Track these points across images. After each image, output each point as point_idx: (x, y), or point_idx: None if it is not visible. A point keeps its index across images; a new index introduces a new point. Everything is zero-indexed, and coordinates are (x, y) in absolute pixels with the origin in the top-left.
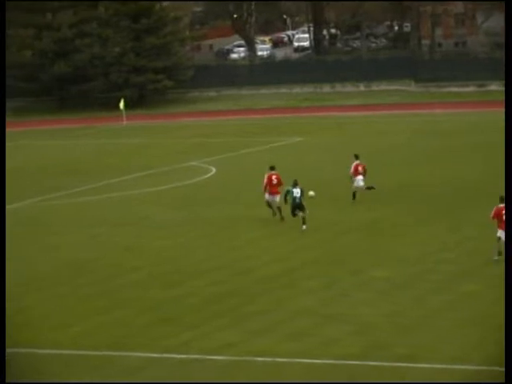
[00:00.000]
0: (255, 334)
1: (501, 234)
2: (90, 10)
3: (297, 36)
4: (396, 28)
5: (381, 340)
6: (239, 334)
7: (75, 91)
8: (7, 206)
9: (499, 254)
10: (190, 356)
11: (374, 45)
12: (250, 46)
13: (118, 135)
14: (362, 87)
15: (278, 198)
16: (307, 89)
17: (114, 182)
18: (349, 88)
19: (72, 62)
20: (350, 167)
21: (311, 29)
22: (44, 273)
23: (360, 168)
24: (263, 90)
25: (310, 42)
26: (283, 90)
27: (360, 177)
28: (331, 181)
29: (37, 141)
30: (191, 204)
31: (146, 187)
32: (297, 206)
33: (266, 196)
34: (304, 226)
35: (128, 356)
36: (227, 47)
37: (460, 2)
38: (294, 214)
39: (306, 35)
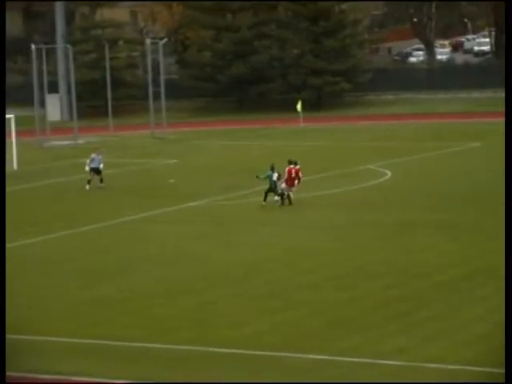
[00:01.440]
0: (427, 340)
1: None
2: (269, 12)
3: (477, 40)
4: None
5: None
6: (411, 339)
7: (253, 92)
8: (192, 204)
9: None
10: (361, 359)
11: None
12: (429, 49)
13: (295, 137)
14: None
15: (293, 189)
16: (486, 94)
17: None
18: None
19: (250, 64)
20: None
21: (492, 33)
22: (219, 270)
23: None
24: (441, 95)
25: (491, 47)
26: (462, 94)
27: None
28: None
29: (215, 141)
30: (365, 207)
31: (321, 190)
32: (272, 189)
33: (283, 185)
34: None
35: (298, 357)
36: (406, 50)
37: None
38: (266, 196)
39: (487, 39)
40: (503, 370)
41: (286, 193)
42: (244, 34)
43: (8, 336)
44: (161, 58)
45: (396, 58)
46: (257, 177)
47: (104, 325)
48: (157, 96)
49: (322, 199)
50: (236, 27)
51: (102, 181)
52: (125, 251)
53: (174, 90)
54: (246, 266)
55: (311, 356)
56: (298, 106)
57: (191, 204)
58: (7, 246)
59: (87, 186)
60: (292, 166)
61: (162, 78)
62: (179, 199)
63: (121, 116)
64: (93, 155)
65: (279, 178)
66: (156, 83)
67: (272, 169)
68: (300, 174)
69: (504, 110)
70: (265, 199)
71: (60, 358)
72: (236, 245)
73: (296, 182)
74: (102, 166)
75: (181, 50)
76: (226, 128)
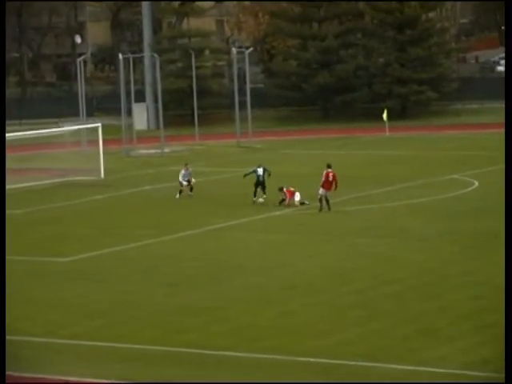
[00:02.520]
0: None
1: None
2: (355, 21)
3: None
4: None
5: None
6: (497, 351)
7: (339, 101)
8: (278, 212)
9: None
10: (448, 370)
11: None
12: None
13: (380, 146)
14: None
15: (329, 193)
16: None
17: (376, 192)
18: None
19: (336, 73)
20: None
21: None
22: (307, 279)
23: None
24: None
25: None
26: None
27: None
28: None
29: (300, 150)
30: (452, 217)
31: (407, 199)
32: (259, 183)
33: (320, 190)
34: (262, 199)
35: (384, 367)
36: (493, 59)
37: None
38: (256, 191)
39: None
40: None
41: (322, 197)
42: (330, 43)
43: (91, 342)
44: (247, 67)
45: (483, 66)
46: (244, 176)
47: (191, 333)
48: (242, 105)
49: (407, 208)
50: (322, 36)
51: (191, 189)
52: (211, 259)
53: (260, 99)
54: (332, 275)
55: (396, 366)
56: (384, 115)
57: (277, 213)
58: (96, 253)
59: (177, 195)
60: (330, 170)
61: (248, 87)
62: (265, 208)
63: (206, 125)
64: (183, 171)
65: (264, 173)
66: (242, 92)
67: (259, 166)
68: (336, 179)
69: None
70: (255, 195)
71: (146, 365)
72: (322, 254)
73: (333, 185)
74: (193, 180)
75: (267, 59)
76: (311, 137)
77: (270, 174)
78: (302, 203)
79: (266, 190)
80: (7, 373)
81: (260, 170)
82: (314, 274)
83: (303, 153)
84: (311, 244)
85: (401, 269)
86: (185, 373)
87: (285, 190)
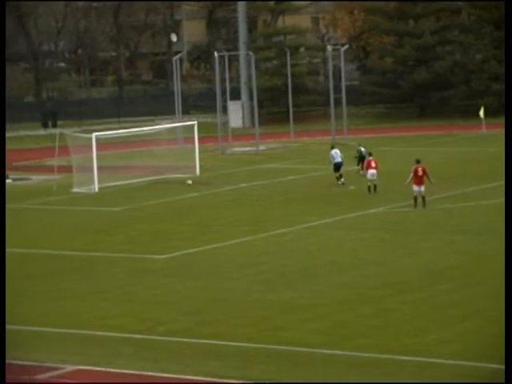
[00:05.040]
0: None
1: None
2: (452, 17)
3: None
4: None
5: None
6: None
7: (435, 98)
8: (372, 210)
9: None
10: None
11: None
12: None
13: (477, 143)
14: None
15: (423, 187)
16: None
17: (472, 190)
18: None
19: (433, 70)
20: None
21: None
22: (402, 277)
23: None
24: None
25: None
26: None
27: None
28: None
29: (396, 147)
30: None
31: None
32: (339, 165)
33: (414, 187)
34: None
35: (481, 367)
36: None
37: None
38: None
39: None
40: None
41: (417, 194)
42: (426, 40)
43: (189, 339)
44: (342, 65)
45: None
46: (355, 158)
47: (288, 330)
48: (338, 102)
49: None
50: (418, 33)
51: (341, 176)
52: (306, 257)
53: (355, 97)
54: (427, 273)
55: (492, 366)
56: (481, 112)
57: (372, 211)
58: (192, 250)
59: (340, 182)
60: (418, 165)
61: (344, 84)
62: (359, 206)
63: (301, 122)
64: (332, 152)
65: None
66: (337, 89)
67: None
68: (427, 173)
69: None
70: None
71: (242, 363)
72: (417, 251)
73: (424, 180)
74: (341, 160)
75: (362, 56)
76: (406, 134)
77: (370, 154)
78: (372, 184)
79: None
80: (108, 369)
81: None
82: (410, 271)
83: (399, 150)
84: (406, 242)
85: (497, 267)
86: (281, 370)
87: (371, 158)
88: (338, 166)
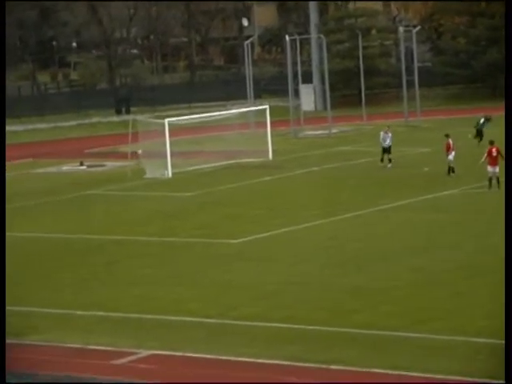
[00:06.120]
0: None
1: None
2: None
3: None
4: None
5: None
6: None
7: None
8: (446, 192)
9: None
10: None
11: None
12: None
13: None
14: None
15: (497, 168)
16: None
17: None
18: None
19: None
20: None
21: None
22: (476, 260)
23: None
24: None
25: None
26: None
27: None
28: None
29: (470, 128)
30: None
31: None
32: (386, 150)
33: (489, 168)
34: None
35: None
36: None
37: None
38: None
39: None
40: None
41: (492, 175)
42: (499, 20)
43: (263, 323)
44: (414, 46)
45: None
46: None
47: (362, 313)
48: (410, 84)
49: None
50: (491, 13)
51: (390, 161)
52: (378, 240)
53: (428, 78)
54: (501, 255)
55: None
56: None
57: (445, 192)
58: (265, 234)
59: (381, 164)
60: (492, 146)
61: (416, 65)
62: (433, 188)
63: (374, 105)
64: (382, 133)
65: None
66: (409, 71)
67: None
68: (501, 153)
69: None
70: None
71: (318, 346)
72: (491, 233)
73: (498, 160)
74: (390, 143)
75: (434, 37)
76: (479, 115)
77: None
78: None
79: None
80: (183, 354)
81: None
82: (483, 254)
83: (471, 131)
84: (480, 224)
85: None
86: (359, 354)
87: (449, 141)
88: (386, 149)
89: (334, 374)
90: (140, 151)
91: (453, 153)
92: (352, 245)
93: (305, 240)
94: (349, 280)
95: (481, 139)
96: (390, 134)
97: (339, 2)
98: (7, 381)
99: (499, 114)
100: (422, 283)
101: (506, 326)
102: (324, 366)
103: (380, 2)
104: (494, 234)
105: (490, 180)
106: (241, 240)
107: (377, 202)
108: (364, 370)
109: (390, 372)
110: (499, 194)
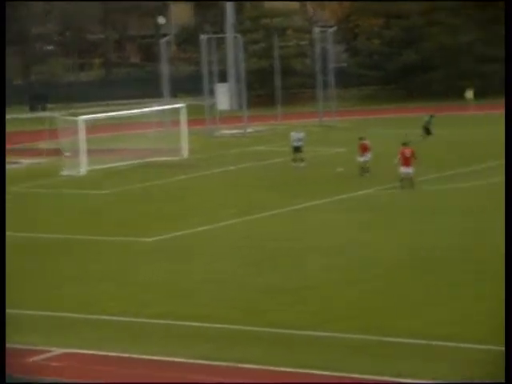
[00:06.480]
0: None
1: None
2: None
3: None
4: None
5: None
6: None
7: (422, 80)
8: (359, 192)
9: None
10: None
11: None
12: None
13: (464, 125)
14: None
15: (410, 169)
16: None
17: (460, 172)
18: None
19: (419, 51)
20: None
21: None
22: (391, 259)
23: None
24: None
25: None
26: None
27: None
28: None
29: (383, 129)
30: None
31: (491, 177)
32: (297, 149)
33: (402, 169)
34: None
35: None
36: None
37: None
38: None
39: None
40: None
41: (404, 176)
42: (414, 21)
43: (176, 322)
44: (330, 46)
45: None
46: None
47: (276, 312)
48: (325, 84)
49: (491, 187)
50: (406, 14)
51: (302, 160)
52: (292, 240)
53: (343, 78)
54: (415, 254)
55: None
56: (467, 94)
57: (359, 192)
58: (180, 233)
59: (294, 164)
60: (405, 147)
61: (331, 66)
62: (348, 188)
63: (289, 105)
64: (293, 133)
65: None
66: (325, 71)
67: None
68: (415, 155)
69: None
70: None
71: (231, 345)
72: (405, 233)
73: (412, 161)
74: (302, 143)
75: (350, 37)
76: (394, 116)
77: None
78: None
79: None
80: (96, 352)
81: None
82: (398, 253)
83: (386, 132)
84: (392, 223)
85: (486, 249)
86: (268, 353)
87: (365, 142)
88: (296, 148)
89: (243, 372)
90: (57, 148)
91: (368, 154)
92: (267, 244)
93: (221, 239)
94: (263, 279)
95: (428, 135)
96: (302, 134)
97: (255, 1)
98: None
99: (414, 115)
100: (335, 282)
101: (506, 327)
102: (232, 365)
103: (296, 2)
104: (405, 232)
105: (403, 181)
106: (157, 238)
107: (292, 202)
108: (272, 368)
109: (299, 371)
110: (412, 194)
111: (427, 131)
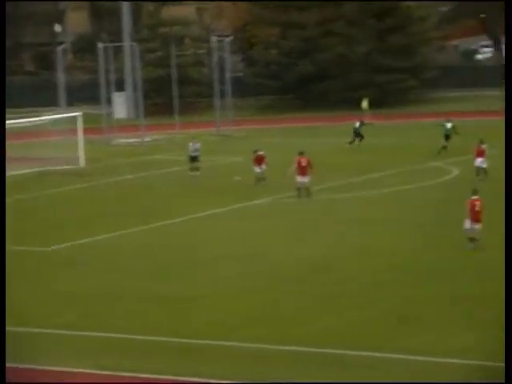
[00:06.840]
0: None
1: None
2: (336, 9)
3: None
4: None
5: None
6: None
7: (319, 90)
8: (257, 201)
9: (471, 240)
10: (430, 358)
11: None
12: (497, 46)
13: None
14: None
15: (306, 178)
16: None
17: (355, 181)
18: None
19: (316, 61)
20: None
21: None
22: (287, 268)
23: None
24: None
25: None
26: None
27: None
28: None
29: (280, 138)
30: (432, 205)
31: (387, 187)
32: (193, 159)
33: (298, 178)
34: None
35: (363, 355)
36: (473, 47)
37: None
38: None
39: None
40: None
41: (300, 185)
42: (310, 32)
43: (71, 332)
44: (227, 56)
45: (463, 54)
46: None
47: (171, 322)
48: (223, 94)
49: (388, 196)
50: (302, 24)
51: (198, 169)
52: (192, 248)
53: (240, 88)
54: (315, 264)
55: (377, 354)
56: (364, 104)
57: (256, 202)
58: (77, 242)
59: (191, 173)
60: (301, 156)
61: (228, 75)
62: (245, 197)
63: (187, 114)
64: (190, 144)
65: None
66: (222, 81)
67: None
68: (311, 164)
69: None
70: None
71: (121, 356)
72: (300, 242)
73: (308, 171)
74: (198, 153)
75: (247, 47)
76: (290, 125)
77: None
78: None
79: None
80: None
81: (449, 125)
82: (293, 262)
83: (283, 141)
84: (288, 232)
85: (382, 258)
86: (166, 363)
87: (261, 153)
88: (193, 158)
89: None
90: None
91: (263, 165)
92: (164, 253)
93: (118, 248)
94: (159, 289)
95: (361, 139)
96: (198, 144)
97: (151, 10)
98: None
99: (310, 125)
100: (232, 292)
101: (505, 327)
102: (116, 374)
103: (194, 11)
104: (302, 241)
105: (300, 190)
106: (55, 247)
107: (189, 211)
108: (152, 376)
109: (178, 378)
110: (308, 204)
111: (359, 135)
